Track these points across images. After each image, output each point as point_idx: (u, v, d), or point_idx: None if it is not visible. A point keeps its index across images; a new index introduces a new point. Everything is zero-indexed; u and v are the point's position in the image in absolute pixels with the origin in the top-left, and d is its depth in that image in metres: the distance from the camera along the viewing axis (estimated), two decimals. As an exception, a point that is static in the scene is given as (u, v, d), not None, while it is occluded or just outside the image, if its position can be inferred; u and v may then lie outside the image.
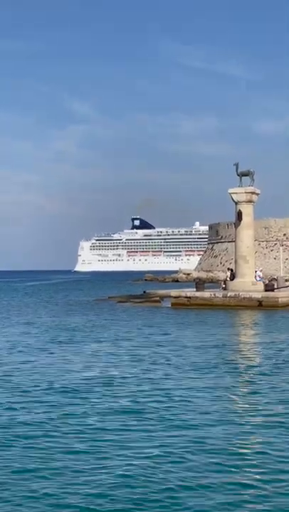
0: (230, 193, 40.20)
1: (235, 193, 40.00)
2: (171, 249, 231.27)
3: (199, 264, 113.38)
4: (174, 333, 24.49)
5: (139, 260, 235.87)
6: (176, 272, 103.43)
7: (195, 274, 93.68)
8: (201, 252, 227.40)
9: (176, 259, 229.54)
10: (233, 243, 42.93)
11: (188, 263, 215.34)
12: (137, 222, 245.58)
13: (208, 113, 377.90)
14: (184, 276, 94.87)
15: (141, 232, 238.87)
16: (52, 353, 19.09)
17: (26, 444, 9.24)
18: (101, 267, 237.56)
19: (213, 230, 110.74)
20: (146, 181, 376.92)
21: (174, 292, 40.06)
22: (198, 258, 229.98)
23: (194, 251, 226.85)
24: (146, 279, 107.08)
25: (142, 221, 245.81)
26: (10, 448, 9.09)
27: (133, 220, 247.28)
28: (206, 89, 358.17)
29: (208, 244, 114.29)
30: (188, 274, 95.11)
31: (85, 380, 14.30)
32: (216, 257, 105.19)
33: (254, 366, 15.90)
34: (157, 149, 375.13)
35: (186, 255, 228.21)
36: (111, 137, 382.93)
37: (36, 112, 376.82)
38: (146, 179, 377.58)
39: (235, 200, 40.07)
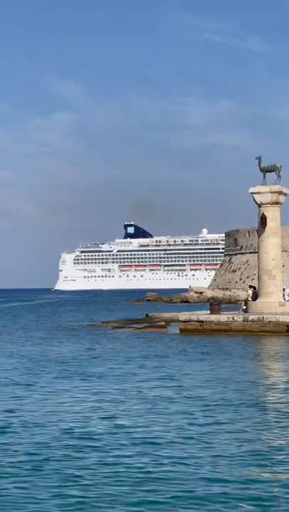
0: (251, 193, 40.02)
1: (258, 192, 39.80)
2: (173, 263, 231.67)
3: (214, 280, 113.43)
4: (184, 366, 24.36)
5: (134, 276, 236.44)
6: (180, 290, 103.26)
7: (209, 293, 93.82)
8: (210, 266, 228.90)
9: (178, 275, 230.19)
10: (256, 255, 42.75)
11: (193, 279, 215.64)
12: (130, 230, 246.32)
13: (222, 96, 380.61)
14: (196, 295, 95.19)
15: (136, 241, 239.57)
16: (35, 392, 18.93)
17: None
18: (87, 285, 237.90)
19: (231, 238, 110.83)
20: (143, 180, 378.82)
21: (183, 315, 39.87)
22: (205, 273, 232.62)
23: (201, 264, 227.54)
24: (148, 299, 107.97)
25: (137, 228, 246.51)
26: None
27: (126, 226, 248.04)
28: (219, 67, 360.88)
29: (225, 256, 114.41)
30: (201, 293, 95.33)
31: (82, 429, 14.02)
32: (234, 271, 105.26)
33: (285, 409, 15.67)
34: (158, 141, 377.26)
35: (191, 270, 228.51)
36: (104, 126, 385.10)
37: (14, 97, 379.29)
38: (144, 177, 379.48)
39: (258, 202, 39.87)
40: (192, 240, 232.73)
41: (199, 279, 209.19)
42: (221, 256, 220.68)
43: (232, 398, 17.18)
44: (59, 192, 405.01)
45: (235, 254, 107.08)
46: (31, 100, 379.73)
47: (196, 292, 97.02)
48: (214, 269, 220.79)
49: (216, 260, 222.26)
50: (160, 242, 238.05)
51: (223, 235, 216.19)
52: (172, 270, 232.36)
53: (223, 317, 37.84)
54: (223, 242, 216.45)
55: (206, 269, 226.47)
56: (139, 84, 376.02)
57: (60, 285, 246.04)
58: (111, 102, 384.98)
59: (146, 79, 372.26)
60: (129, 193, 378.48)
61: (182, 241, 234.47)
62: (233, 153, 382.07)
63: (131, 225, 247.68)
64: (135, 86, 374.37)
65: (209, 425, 13.96)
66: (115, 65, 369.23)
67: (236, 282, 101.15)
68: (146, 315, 51.68)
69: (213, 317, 38.03)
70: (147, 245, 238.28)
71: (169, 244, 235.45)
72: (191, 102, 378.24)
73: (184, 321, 38.71)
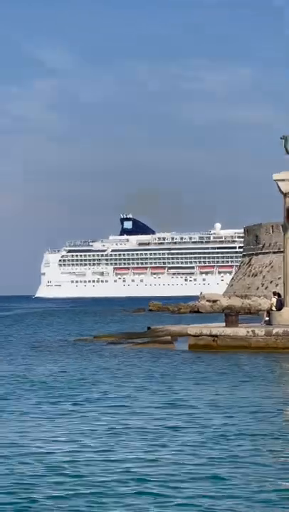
0: (275, 180, 40.17)
1: (283, 179, 39.95)
2: (180, 265, 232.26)
3: (230, 286, 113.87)
4: (194, 390, 24.46)
5: (132, 281, 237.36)
6: (187, 298, 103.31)
7: (224, 302, 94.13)
8: (224, 269, 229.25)
9: (186, 280, 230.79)
10: (281, 255, 42.84)
11: (204, 285, 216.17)
12: (128, 225, 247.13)
13: (242, 61, 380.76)
14: (208, 304, 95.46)
15: (134, 239, 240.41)
16: (13, 421, 19.06)
17: None
18: (75, 292, 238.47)
19: (251, 235, 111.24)
20: (144, 163, 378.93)
21: (192, 328, 40.07)
22: (218, 278, 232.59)
23: (213, 267, 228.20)
24: (150, 309, 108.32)
25: (135, 223, 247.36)
26: None
27: (123, 220, 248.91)
28: (238, 25, 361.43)
29: (244, 256, 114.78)
30: (215, 302, 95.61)
31: (69, 465, 14.09)
32: (255, 275, 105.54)
33: None
34: (162, 115, 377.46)
35: (201, 273, 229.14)
36: (94, 97, 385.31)
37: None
38: (144, 161, 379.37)
39: (284, 191, 40.03)
40: (202, 237, 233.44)
41: (211, 285, 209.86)
42: (237, 256, 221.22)
43: (252, 429, 17.24)
44: (41, 178, 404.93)
45: (256, 255, 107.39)
46: (5, 65, 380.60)
47: (208, 300, 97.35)
48: (229, 273, 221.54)
49: (232, 262, 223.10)
50: (164, 239, 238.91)
51: (241, 230, 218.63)
52: (178, 274, 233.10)
53: (241, 331, 37.97)
54: (241, 240, 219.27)
55: (220, 273, 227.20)
56: (138, 45, 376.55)
57: (43, 292, 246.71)
58: (104, 66, 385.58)
59: (148, 37, 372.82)
60: (127, 179, 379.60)
61: (190, 238, 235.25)
62: (255, 132, 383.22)
63: (128, 219, 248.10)
64: (134, 47, 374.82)
65: (225, 461, 14.08)
66: (109, 21, 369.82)
67: (257, 288, 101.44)
68: (149, 328, 51.78)
69: (230, 331, 38.15)
70: (148, 243, 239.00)
71: (175, 243, 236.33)
72: (204, 67, 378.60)
73: (194, 336, 38.84)
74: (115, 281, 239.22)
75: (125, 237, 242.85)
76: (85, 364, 33.72)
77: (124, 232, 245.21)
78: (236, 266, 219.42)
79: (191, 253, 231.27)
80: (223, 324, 40.02)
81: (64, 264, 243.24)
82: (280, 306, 40.19)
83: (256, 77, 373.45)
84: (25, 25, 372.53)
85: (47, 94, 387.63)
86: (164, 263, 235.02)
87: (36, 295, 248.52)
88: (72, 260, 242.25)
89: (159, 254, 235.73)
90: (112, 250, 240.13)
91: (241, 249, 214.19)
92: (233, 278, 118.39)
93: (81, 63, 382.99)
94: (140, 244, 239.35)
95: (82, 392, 24.21)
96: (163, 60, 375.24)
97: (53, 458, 14.55)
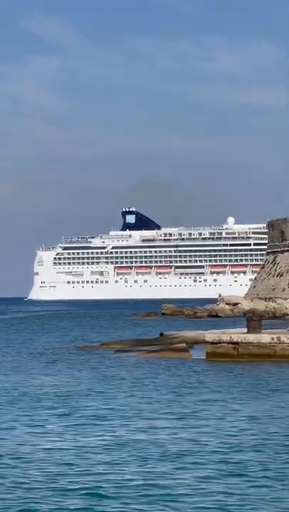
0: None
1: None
2: (188, 264, 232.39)
3: (253, 287, 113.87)
4: (212, 405, 24.44)
5: (135, 282, 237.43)
6: (197, 301, 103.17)
7: (246, 305, 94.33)
8: (238, 268, 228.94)
9: (195, 280, 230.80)
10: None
11: (215, 286, 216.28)
12: (130, 219, 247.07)
13: (263, 37, 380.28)
14: (228, 307, 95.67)
15: (137, 234, 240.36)
16: (9, 437, 19.18)
17: None
18: (72, 293, 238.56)
19: (276, 230, 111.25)
20: (149, 151, 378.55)
21: (210, 335, 40.24)
22: (231, 278, 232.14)
23: (226, 266, 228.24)
24: (163, 313, 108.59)
25: (139, 216, 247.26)
26: None
27: (125, 214, 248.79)
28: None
29: (268, 254, 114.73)
30: (235, 305, 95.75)
31: (73, 492, 14.28)
32: (280, 275, 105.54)
33: None
34: (171, 97, 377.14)
35: (212, 273, 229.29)
36: (97, 77, 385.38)
37: None
38: (150, 148, 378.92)
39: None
40: (213, 233, 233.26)
41: (223, 286, 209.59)
42: (252, 255, 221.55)
43: (279, 453, 17.15)
44: (37, 167, 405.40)
45: (282, 252, 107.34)
46: (2, 43, 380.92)
47: (228, 303, 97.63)
48: (243, 272, 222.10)
49: (246, 260, 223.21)
50: (170, 235, 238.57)
51: (255, 226, 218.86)
52: (186, 274, 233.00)
53: (265, 337, 38.08)
54: (256, 236, 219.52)
55: (232, 273, 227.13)
56: (146, 19, 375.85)
57: (36, 293, 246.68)
58: (109, 43, 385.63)
59: (157, 10, 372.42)
60: (131, 167, 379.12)
61: (200, 234, 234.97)
62: (276, 116, 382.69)
63: (131, 212, 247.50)
64: (142, 21, 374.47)
65: (247, 492, 13.93)
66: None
67: (283, 290, 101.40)
68: (161, 334, 52.02)
69: (252, 337, 38.24)
70: (153, 239, 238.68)
71: (183, 239, 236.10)
72: (220, 44, 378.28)
73: (213, 343, 39.01)
74: (116, 281, 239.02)
75: (127, 232, 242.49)
76: (91, 374, 33.89)
77: (127, 227, 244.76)
78: (251, 265, 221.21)
79: (200, 251, 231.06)
80: (245, 330, 40.05)
81: (59, 263, 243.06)
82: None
83: (278, 55, 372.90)
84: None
85: (46, 74, 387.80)
86: (170, 262, 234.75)
87: (29, 297, 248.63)
88: (69, 258, 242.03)
89: (165, 251, 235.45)
90: (113, 247, 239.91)
91: (256, 247, 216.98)
92: (256, 278, 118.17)
93: (81, 40, 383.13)
94: (144, 240, 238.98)
95: (87, 406, 24.41)
96: (174, 36, 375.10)
97: (48, 480, 14.67)
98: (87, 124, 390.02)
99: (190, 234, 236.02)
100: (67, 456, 16.95)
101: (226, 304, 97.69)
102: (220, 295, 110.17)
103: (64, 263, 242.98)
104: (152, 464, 16.15)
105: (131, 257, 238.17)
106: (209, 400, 25.49)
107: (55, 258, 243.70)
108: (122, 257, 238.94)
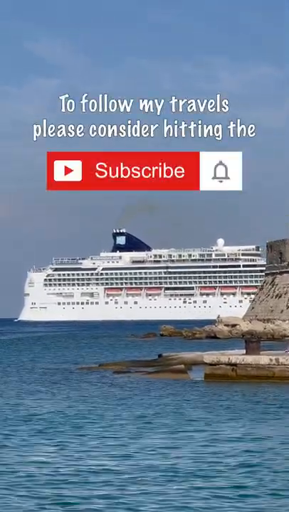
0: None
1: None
2: (178, 285, 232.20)
3: (251, 309, 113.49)
4: (209, 428, 24.38)
5: (125, 303, 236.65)
6: (185, 322, 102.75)
7: (244, 326, 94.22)
8: (228, 290, 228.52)
9: (185, 302, 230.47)
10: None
11: (205, 307, 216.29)
12: (121, 240, 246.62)
13: (263, 59, 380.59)
14: (226, 329, 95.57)
15: (128, 256, 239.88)
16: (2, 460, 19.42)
17: None
18: (62, 315, 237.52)
19: (275, 251, 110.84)
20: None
21: (209, 356, 40.24)
22: (220, 300, 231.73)
23: (215, 287, 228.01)
24: (162, 334, 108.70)
25: (129, 238, 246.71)
26: None
27: (115, 235, 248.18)
28: (260, 15, 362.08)
29: (267, 275, 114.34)
30: (234, 326, 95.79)
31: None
32: (279, 296, 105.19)
33: None
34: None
35: (201, 294, 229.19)
36: (98, 95, 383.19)
37: None
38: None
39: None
40: (203, 255, 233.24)
41: (213, 307, 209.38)
42: (241, 276, 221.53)
43: (281, 480, 17.14)
44: (26, 187, 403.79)
45: (281, 273, 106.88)
46: (3, 63, 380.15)
47: (226, 325, 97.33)
48: (232, 294, 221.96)
49: (236, 282, 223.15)
50: (160, 256, 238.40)
51: (245, 247, 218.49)
52: (176, 295, 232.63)
53: (263, 359, 38.05)
54: (244, 258, 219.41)
55: (222, 294, 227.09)
56: (148, 39, 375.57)
57: (27, 314, 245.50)
58: (108, 63, 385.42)
59: (158, 31, 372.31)
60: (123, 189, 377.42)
61: (190, 255, 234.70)
62: (272, 134, 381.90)
63: (122, 234, 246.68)
64: (142, 41, 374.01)
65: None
66: (114, 11, 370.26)
67: (281, 311, 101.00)
68: (160, 355, 52.20)
69: (251, 359, 38.20)
70: (143, 261, 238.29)
71: (172, 260, 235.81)
72: (221, 65, 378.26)
73: (211, 364, 38.94)
74: (106, 302, 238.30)
75: (118, 253, 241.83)
76: (87, 396, 33.81)
77: (117, 248, 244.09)
78: (240, 287, 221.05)
79: (190, 272, 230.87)
80: (244, 351, 40.06)
81: (50, 284, 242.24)
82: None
83: (278, 75, 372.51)
84: (26, 18, 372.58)
85: (46, 96, 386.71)
86: (160, 283, 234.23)
87: (19, 318, 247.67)
88: (59, 280, 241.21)
89: (154, 273, 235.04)
90: (103, 269, 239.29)
91: (245, 269, 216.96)
92: (254, 300, 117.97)
93: (84, 61, 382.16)
94: (134, 261, 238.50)
95: (83, 429, 24.37)
96: (176, 57, 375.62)
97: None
98: (77, 144, 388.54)
99: (180, 255, 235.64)
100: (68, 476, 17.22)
101: (225, 325, 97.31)
102: (218, 316, 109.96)
103: (54, 284, 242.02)
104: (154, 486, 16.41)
105: (121, 279, 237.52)
106: (207, 421, 25.63)
107: (45, 279, 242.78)
108: (112, 279, 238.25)
